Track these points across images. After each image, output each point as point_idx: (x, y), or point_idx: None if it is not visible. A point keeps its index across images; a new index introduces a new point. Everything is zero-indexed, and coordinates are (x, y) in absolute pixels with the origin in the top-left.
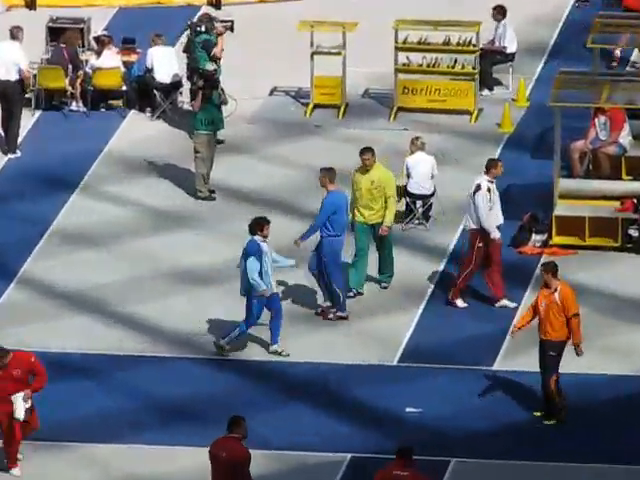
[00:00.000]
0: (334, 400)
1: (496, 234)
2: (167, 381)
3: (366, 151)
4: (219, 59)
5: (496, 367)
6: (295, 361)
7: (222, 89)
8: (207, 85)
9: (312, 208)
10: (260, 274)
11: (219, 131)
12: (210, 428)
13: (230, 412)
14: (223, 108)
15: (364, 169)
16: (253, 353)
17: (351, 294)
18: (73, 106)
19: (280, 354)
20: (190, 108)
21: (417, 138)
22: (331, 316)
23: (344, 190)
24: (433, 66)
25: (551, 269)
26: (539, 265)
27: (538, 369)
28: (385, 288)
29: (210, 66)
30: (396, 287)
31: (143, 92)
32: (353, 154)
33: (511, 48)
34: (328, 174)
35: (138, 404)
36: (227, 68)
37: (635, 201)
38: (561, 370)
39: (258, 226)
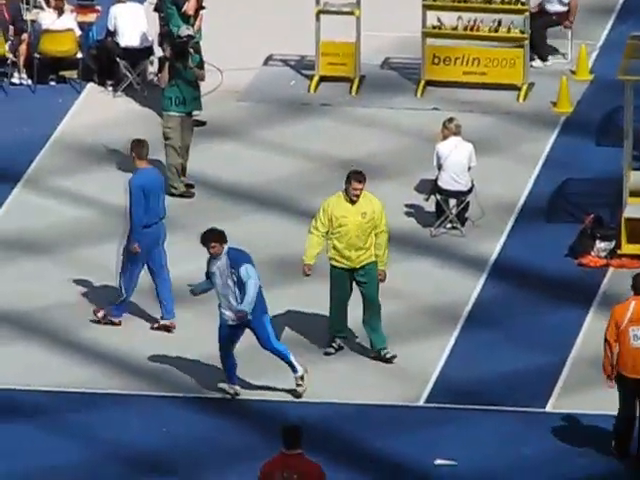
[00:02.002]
0: (345, 449)
1: None
2: (133, 425)
3: (360, 179)
4: (192, 17)
5: (549, 409)
6: (298, 400)
7: (201, 60)
8: (176, 54)
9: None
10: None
11: (197, 112)
12: None
13: (212, 463)
14: (203, 82)
15: (349, 199)
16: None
17: (335, 347)
18: (15, 78)
19: (233, 396)
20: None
21: (451, 120)
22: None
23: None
24: (471, 29)
25: None
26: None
27: (598, 411)
28: (391, 359)
29: (185, 30)
30: (423, 308)
31: (104, 61)
32: (369, 139)
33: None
34: (137, 148)
35: (95, 454)
36: (210, 30)
37: None
38: None
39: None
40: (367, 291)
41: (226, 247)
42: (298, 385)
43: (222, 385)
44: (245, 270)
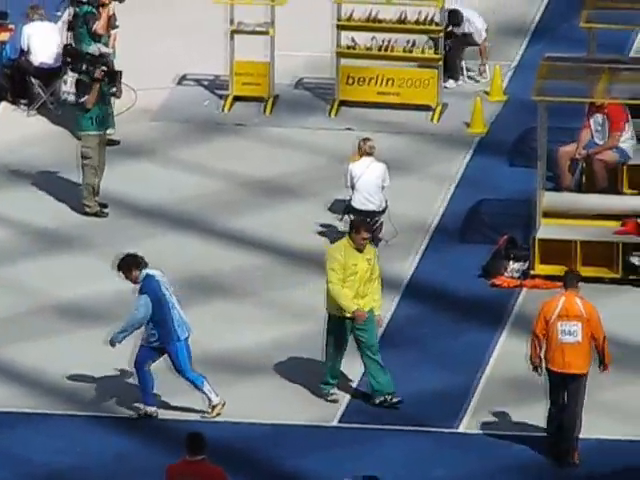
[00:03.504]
0: (258, 469)
1: None
2: (47, 445)
3: (369, 227)
4: (104, 37)
5: (462, 429)
6: (214, 420)
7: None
8: (109, 76)
9: (234, 227)
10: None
11: (111, 131)
12: None
13: None
14: (117, 101)
15: (357, 248)
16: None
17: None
18: None
19: (148, 415)
20: (73, 100)
21: (365, 140)
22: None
23: None
24: (385, 49)
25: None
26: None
27: (513, 432)
28: (397, 404)
29: (99, 48)
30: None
31: (17, 80)
32: (283, 159)
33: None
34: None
35: (9, 474)
36: (123, 49)
37: (639, 221)
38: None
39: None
40: (368, 337)
41: (144, 273)
42: (208, 413)
43: (138, 405)
44: (138, 300)
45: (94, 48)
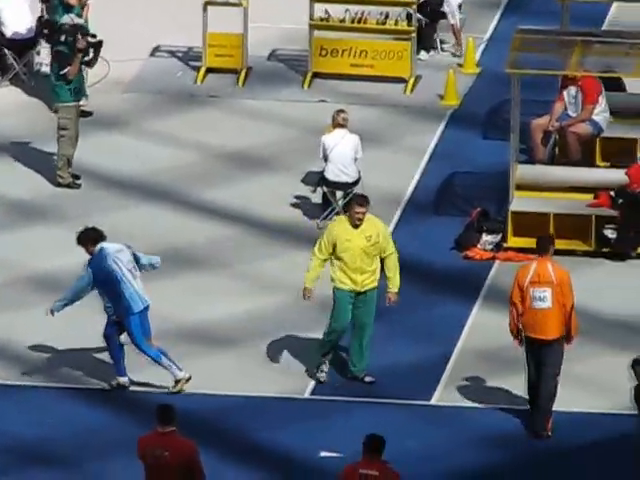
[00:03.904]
0: (230, 442)
1: None
2: (18, 416)
3: (362, 202)
4: (72, 7)
5: (435, 401)
6: (185, 392)
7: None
8: (93, 46)
9: (207, 199)
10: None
11: (84, 102)
12: (73, 474)
13: (95, 454)
14: (89, 72)
15: (352, 223)
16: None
17: (325, 371)
18: None
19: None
20: (47, 71)
21: (339, 112)
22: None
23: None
24: (358, 21)
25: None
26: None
27: (486, 404)
28: (372, 382)
29: (72, 19)
30: (311, 300)
31: None
32: (256, 131)
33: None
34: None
35: None
36: (95, 21)
37: (612, 194)
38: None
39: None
40: (364, 316)
41: (98, 247)
42: (172, 387)
43: (114, 381)
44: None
45: (67, 19)
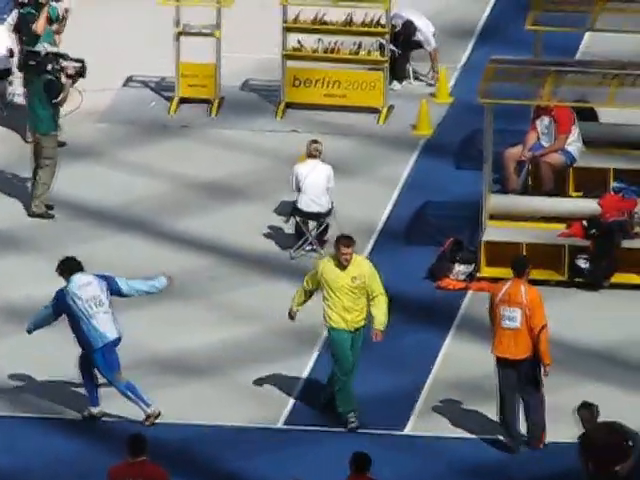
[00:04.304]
0: (203, 472)
1: None
2: None
3: (348, 243)
4: (38, 36)
5: (408, 431)
6: (158, 421)
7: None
8: (80, 72)
9: (180, 229)
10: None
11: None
12: None
13: None
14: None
15: (340, 264)
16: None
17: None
18: None
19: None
20: (20, 101)
21: (313, 142)
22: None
23: None
24: (331, 51)
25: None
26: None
27: (461, 433)
28: (354, 429)
29: (44, 47)
30: (282, 329)
31: None
32: (229, 161)
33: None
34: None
35: None
36: (68, 50)
37: (585, 224)
38: (501, 438)
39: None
40: (353, 355)
41: (69, 279)
42: (143, 420)
43: (86, 411)
44: None
45: (40, 47)
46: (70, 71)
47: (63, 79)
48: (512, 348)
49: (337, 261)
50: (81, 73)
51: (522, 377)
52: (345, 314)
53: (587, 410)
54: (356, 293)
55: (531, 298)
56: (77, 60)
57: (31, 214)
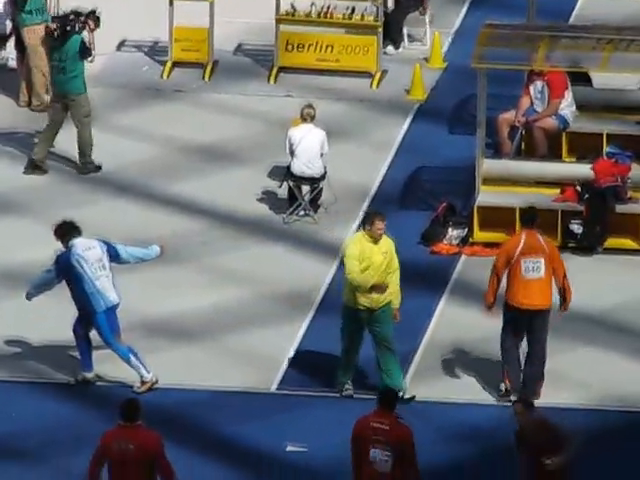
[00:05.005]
0: (196, 436)
1: None
2: None
3: (383, 218)
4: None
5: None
6: (149, 388)
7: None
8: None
9: (173, 193)
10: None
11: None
12: (42, 469)
13: (62, 448)
14: None
15: (373, 239)
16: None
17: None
18: None
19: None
20: (14, 65)
21: (307, 106)
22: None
23: None
24: (325, 16)
25: None
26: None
27: (454, 397)
28: (410, 400)
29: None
30: (275, 293)
31: None
32: (222, 125)
33: None
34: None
35: None
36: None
37: (579, 188)
38: (502, 403)
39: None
40: (383, 331)
41: (70, 243)
42: (137, 387)
43: (80, 375)
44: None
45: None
46: (92, 26)
47: (86, 35)
48: (535, 298)
49: (370, 238)
50: (98, 24)
51: (537, 326)
52: (372, 293)
53: (522, 404)
54: (385, 270)
55: (551, 247)
56: (91, 12)
57: (84, 172)
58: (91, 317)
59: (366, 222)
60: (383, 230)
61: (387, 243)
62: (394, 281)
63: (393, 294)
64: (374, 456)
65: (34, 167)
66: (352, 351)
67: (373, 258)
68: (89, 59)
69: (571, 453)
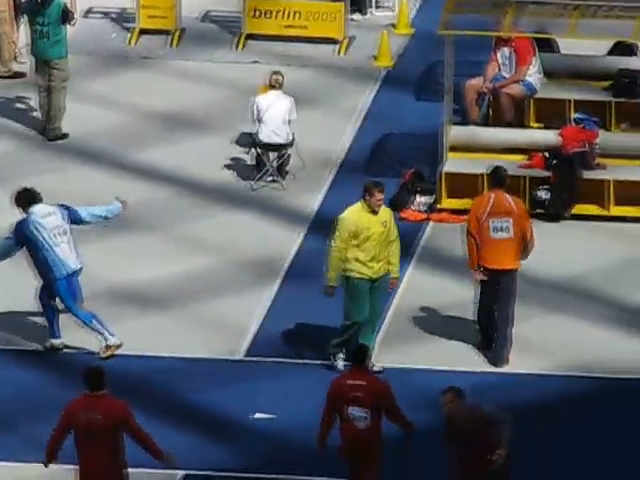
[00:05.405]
0: (163, 403)
1: None
2: None
3: (382, 189)
4: None
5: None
6: (119, 353)
7: None
8: None
9: (140, 161)
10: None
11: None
12: (7, 437)
13: (32, 419)
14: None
15: (372, 210)
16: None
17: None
18: None
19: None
20: None
21: (275, 73)
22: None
23: None
24: None
25: None
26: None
27: (421, 364)
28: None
29: None
30: (243, 261)
31: None
32: (189, 92)
33: None
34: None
35: None
36: None
37: (546, 155)
38: (470, 369)
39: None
40: (377, 301)
41: (29, 210)
42: (102, 351)
43: (47, 343)
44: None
45: None
46: None
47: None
48: (503, 259)
49: (369, 208)
50: None
51: (504, 288)
52: (374, 264)
53: (452, 393)
54: (384, 240)
55: (520, 206)
56: None
57: (52, 138)
58: (52, 284)
59: (365, 194)
60: (382, 201)
61: (386, 213)
62: (394, 250)
63: (392, 264)
64: (352, 413)
65: (57, 138)
66: (359, 324)
67: (373, 229)
68: (72, 23)
69: (509, 437)
